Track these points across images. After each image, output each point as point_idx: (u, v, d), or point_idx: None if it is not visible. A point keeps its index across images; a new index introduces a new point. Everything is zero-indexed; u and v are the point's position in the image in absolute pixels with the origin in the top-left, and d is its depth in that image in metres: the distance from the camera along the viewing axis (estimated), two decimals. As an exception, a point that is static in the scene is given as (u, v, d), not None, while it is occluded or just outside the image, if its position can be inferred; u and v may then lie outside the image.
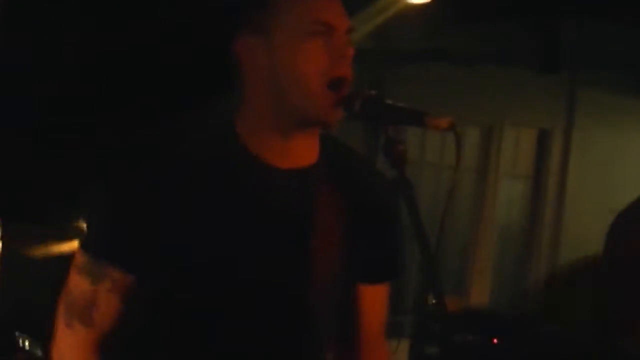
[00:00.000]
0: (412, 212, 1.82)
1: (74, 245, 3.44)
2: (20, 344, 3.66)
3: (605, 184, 7.83)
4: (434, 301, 1.76)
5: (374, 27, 5.04)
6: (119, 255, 1.84)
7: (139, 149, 1.92)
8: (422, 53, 6.16)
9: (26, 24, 4.20)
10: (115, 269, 1.84)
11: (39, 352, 3.63)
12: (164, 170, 1.86)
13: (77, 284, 1.87)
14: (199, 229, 1.84)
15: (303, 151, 1.92)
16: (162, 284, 1.86)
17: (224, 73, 1.99)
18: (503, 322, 5.16)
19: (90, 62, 4.33)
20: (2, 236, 3.52)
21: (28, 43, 4.19)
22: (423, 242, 1.77)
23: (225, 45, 1.94)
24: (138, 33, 4.34)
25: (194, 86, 4.20)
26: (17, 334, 3.66)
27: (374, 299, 2.01)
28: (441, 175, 7.26)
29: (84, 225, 1.98)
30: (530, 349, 4.61)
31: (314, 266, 1.89)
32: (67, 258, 2.00)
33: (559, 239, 8.02)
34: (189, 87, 4.26)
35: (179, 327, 1.88)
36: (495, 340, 4.59)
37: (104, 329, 1.88)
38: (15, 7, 4.09)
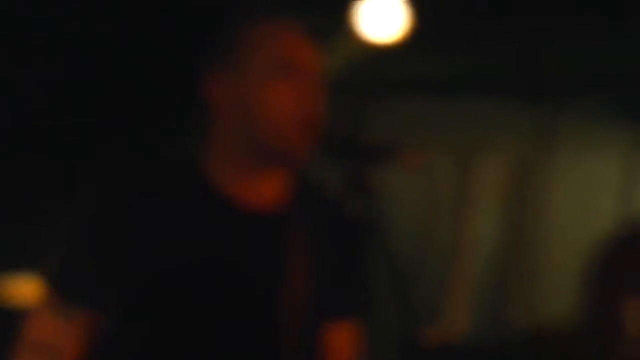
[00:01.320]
0: (382, 248, 1.80)
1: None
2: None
3: (585, 212, 7.83)
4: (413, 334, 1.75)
5: (352, 59, 5.02)
6: (87, 294, 1.81)
7: (104, 186, 1.89)
8: (401, 83, 6.16)
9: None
10: (83, 308, 1.81)
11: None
12: (128, 209, 1.82)
13: (42, 321, 1.83)
14: (163, 272, 1.81)
15: (271, 192, 1.90)
16: (128, 325, 1.82)
17: (190, 110, 1.97)
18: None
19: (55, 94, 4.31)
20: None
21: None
22: (395, 276, 1.76)
23: (193, 82, 1.92)
24: (103, 66, 4.33)
25: (160, 120, 4.18)
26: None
27: (341, 338, 1.98)
28: (416, 207, 7.25)
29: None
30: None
31: (283, 313, 1.85)
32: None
33: (537, 267, 8.00)
34: (154, 121, 4.24)
35: None
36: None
37: None
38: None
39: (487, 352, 5.86)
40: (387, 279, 1.79)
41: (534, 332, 7.28)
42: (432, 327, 6.96)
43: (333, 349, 1.93)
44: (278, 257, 1.83)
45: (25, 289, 3.78)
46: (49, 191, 4.37)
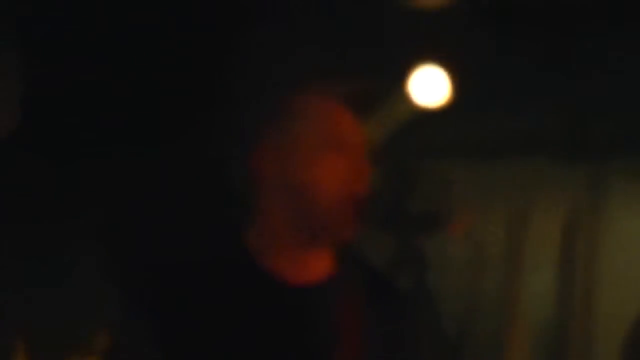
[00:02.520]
0: (433, 319, 1.79)
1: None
2: None
3: (635, 271, 7.73)
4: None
5: (391, 126, 5.04)
6: None
7: (150, 266, 1.90)
8: (442, 146, 6.16)
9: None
10: None
11: None
12: (175, 287, 1.83)
13: None
14: (211, 351, 1.80)
15: (317, 266, 1.89)
16: None
17: (236, 185, 1.98)
18: None
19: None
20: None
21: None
22: (444, 344, 1.75)
23: (241, 158, 1.93)
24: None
25: (208, 196, 4.20)
26: None
27: None
28: (466, 271, 7.20)
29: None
30: None
31: None
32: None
33: (590, 329, 7.89)
34: (202, 198, 4.26)
35: None
36: None
37: None
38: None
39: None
40: (435, 346, 1.78)
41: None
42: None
43: None
44: (326, 330, 1.83)
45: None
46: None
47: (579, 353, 7.85)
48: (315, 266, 1.84)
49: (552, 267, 8.18)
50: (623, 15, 3.36)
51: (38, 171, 4.29)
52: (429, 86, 4.82)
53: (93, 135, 4.35)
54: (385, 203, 1.79)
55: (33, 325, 3.72)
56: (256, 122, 1.91)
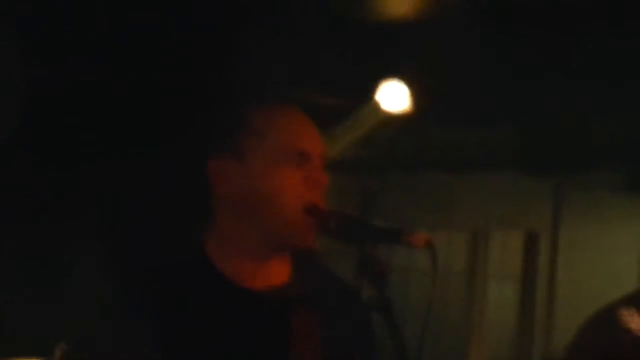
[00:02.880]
0: (392, 331, 1.83)
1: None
2: None
3: (595, 283, 7.81)
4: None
5: (360, 137, 5.09)
6: None
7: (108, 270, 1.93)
8: (407, 160, 6.21)
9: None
10: None
11: None
12: (132, 290, 1.86)
13: None
14: (168, 353, 1.83)
15: (275, 271, 1.93)
16: None
17: (196, 193, 2.00)
18: None
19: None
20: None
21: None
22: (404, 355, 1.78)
23: (199, 166, 1.96)
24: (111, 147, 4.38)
25: (165, 204, 4.22)
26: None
27: None
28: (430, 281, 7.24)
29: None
30: None
31: None
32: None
33: (551, 339, 7.97)
34: (159, 204, 4.28)
35: None
36: None
37: None
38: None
39: None
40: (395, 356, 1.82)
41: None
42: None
43: None
44: (285, 335, 1.86)
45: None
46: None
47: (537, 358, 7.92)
48: (272, 272, 1.88)
49: (514, 279, 8.26)
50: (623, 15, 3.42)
51: (38, 171, 4.30)
52: (394, 100, 4.86)
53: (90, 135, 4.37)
54: (346, 214, 1.81)
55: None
56: (217, 131, 1.95)
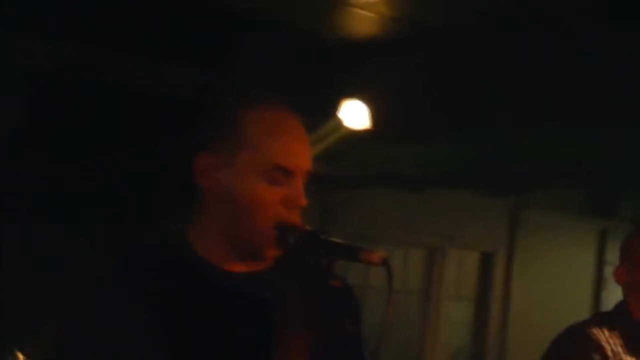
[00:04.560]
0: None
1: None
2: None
3: (549, 304, 7.90)
4: None
5: (320, 152, 5.12)
6: None
7: (93, 262, 1.94)
8: (367, 177, 6.25)
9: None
10: None
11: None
12: (117, 280, 1.87)
13: None
14: (156, 337, 1.84)
15: (254, 262, 1.95)
16: None
17: (181, 186, 2.02)
18: None
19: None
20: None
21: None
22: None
23: (187, 160, 1.97)
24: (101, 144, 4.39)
25: (151, 193, 4.23)
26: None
27: None
28: (386, 299, 7.27)
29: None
30: None
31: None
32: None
33: (503, 358, 8.03)
34: (146, 193, 4.29)
35: None
36: None
37: None
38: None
39: None
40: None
41: None
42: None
43: None
44: (267, 319, 1.87)
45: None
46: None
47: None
48: (250, 260, 1.89)
49: (469, 298, 8.32)
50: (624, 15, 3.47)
51: (38, 171, 4.29)
52: (356, 118, 4.91)
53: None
54: (305, 230, 1.82)
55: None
56: (206, 127, 1.95)
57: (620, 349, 2.83)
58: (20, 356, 3.58)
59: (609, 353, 2.79)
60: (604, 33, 3.82)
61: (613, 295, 8.43)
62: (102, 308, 1.87)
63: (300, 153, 1.95)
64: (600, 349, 2.79)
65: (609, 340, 2.82)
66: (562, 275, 8.24)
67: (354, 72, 4.78)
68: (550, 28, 3.89)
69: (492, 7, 3.80)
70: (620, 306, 2.96)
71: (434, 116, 5.22)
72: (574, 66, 4.35)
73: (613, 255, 8.53)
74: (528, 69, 4.44)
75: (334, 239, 1.90)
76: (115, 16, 3.95)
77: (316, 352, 1.92)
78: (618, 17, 3.64)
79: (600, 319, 2.94)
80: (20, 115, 4.12)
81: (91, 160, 4.41)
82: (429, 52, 4.33)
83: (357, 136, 5.15)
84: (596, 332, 2.82)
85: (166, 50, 4.17)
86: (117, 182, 4.45)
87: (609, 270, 8.42)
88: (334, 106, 5.01)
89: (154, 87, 4.35)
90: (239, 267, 1.93)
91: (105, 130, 4.43)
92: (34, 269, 4.30)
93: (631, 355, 2.83)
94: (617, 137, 5.27)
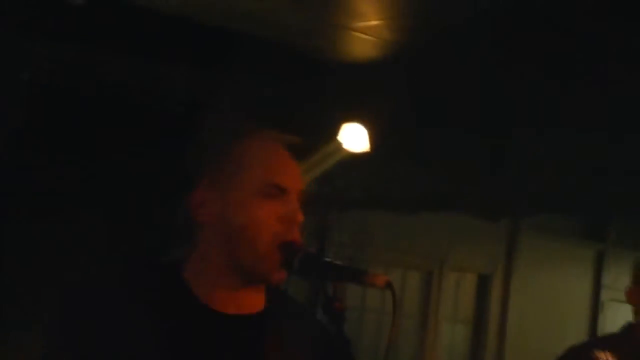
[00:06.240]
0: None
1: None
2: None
3: (546, 327, 7.89)
4: None
5: (318, 173, 5.13)
6: None
7: (85, 292, 1.93)
8: (365, 199, 6.25)
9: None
10: None
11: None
12: (110, 313, 1.87)
13: None
14: None
15: (249, 300, 1.95)
16: None
17: (176, 222, 2.02)
18: None
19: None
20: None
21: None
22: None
23: (181, 196, 1.98)
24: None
25: (146, 232, 4.23)
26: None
27: None
28: (383, 321, 7.27)
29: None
30: None
31: None
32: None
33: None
34: (140, 232, 4.29)
35: None
36: None
37: None
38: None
39: None
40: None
41: None
42: None
43: None
44: (255, 356, 1.87)
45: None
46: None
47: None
48: (245, 301, 1.89)
49: (466, 321, 8.30)
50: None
51: (38, 171, 4.29)
52: (355, 140, 4.93)
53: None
54: (310, 253, 1.84)
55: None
56: (200, 163, 1.97)
57: None
58: None
59: None
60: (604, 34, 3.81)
61: (610, 318, 8.44)
62: (85, 332, 1.86)
63: (292, 172, 1.98)
64: None
65: None
66: (559, 298, 8.23)
67: (354, 94, 4.80)
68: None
69: (493, 33, 3.82)
70: (628, 328, 2.95)
71: (430, 137, 5.23)
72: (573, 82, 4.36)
73: (610, 279, 8.56)
74: (524, 92, 4.46)
75: (338, 262, 1.91)
76: (115, 16, 3.97)
77: None
78: (618, 17, 3.64)
79: (604, 340, 2.93)
80: (20, 115, 4.12)
81: (89, 168, 4.41)
82: (429, 72, 4.36)
83: (356, 158, 5.17)
84: (599, 354, 2.82)
85: (166, 52, 4.19)
86: (115, 185, 4.44)
87: (605, 294, 8.44)
88: (333, 129, 5.03)
89: (154, 87, 4.35)
90: (235, 309, 1.93)
91: (106, 130, 4.44)
92: (33, 269, 4.29)
93: None
94: (617, 157, 5.28)
